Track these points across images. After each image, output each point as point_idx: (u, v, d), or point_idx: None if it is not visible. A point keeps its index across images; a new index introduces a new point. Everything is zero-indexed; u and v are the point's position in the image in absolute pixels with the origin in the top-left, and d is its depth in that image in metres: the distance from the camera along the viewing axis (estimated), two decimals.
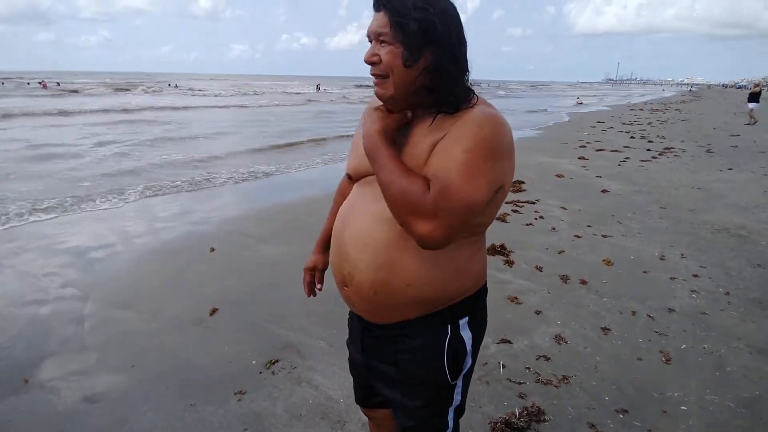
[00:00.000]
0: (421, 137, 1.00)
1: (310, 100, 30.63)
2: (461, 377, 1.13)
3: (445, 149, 0.94)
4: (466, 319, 1.10)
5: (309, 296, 1.44)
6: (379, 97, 1.04)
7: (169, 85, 48.17)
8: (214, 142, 11.22)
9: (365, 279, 1.05)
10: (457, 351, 1.09)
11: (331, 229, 1.36)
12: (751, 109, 17.15)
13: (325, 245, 1.42)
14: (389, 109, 1.06)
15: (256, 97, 32.67)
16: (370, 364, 1.21)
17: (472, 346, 1.12)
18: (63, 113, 17.89)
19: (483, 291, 1.15)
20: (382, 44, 0.99)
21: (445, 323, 1.08)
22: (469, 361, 1.13)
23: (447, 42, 0.98)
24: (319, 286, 1.42)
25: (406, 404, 1.14)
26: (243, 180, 7.18)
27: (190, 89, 41.67)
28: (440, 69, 0.98)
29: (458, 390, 1.14)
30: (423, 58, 0.97)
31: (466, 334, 1.10)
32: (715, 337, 2.69)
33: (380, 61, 0.99)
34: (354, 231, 1.08)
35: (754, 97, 17.28)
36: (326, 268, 1.43)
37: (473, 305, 1.11)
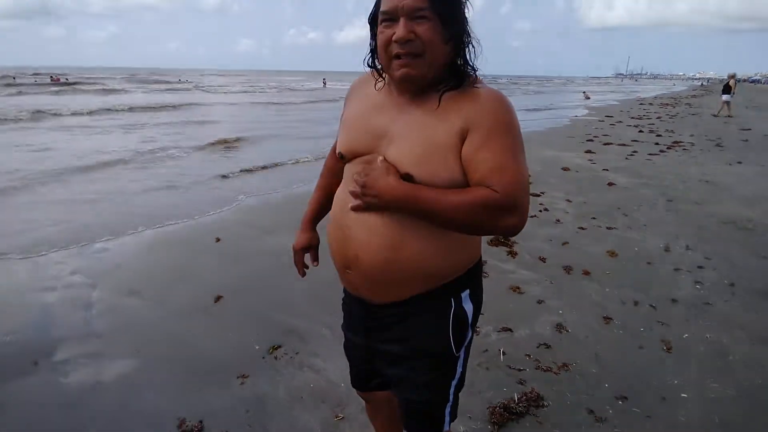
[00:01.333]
0: (438, 120, 0.99)
1: (343, 97, 29.96)
2: (463, 349, 1.16)
3: (487, 144, 0.95)
4: (468, 291, 1.12)
5: (303, 276, 1.43)
6: (410, 77, 0.99)
7: (180, 81, 48.22)
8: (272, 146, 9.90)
9: (373, 260, 1.06)
10: (461, 323, 1.12)
11: (319, 208, 1.39)
12: (727, 102, 17.10)
13: (313, 223, 1.41)
14: (407, 88, 1.02)
15: (284, 94, 31.00)
16: (373, 347, 1.22)
17: (473, 317, 1.15)
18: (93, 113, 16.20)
19: (480, 264, 1.18)
20: (419, 20, 0.94)
21: (449, 296, 1.10)
22: (469, 332, 1.16)
23: (466, 14, 0.99)
24: (316, 263, 1.42)
25: (413, 379, 1.16)
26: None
27: (196, 85, 40.36)
28: (464, 42, 0.99)
29: (460, 362, 1.17)
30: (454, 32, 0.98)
31: (468, 306, 1.13)
32: (717, 327, 2.68)
33: (415, 38, 0.95)
34: (358, 214, 1.07)
35: (729, 89, 17.25)
36: (319, 244, 1.43)
37: (473, 278, 1.14)
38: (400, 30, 0.95)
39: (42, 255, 3.77)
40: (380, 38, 0.99)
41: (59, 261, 3.66)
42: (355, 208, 1.05)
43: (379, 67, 1.08)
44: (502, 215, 0.94)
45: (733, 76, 17.82)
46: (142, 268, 3.57)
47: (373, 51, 1.07)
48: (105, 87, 32.61)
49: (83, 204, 5.30)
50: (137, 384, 2.23)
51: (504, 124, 0.97)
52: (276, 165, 7.67)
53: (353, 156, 1.12)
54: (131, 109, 17.41)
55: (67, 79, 41.11)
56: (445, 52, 0.98)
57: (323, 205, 1.40)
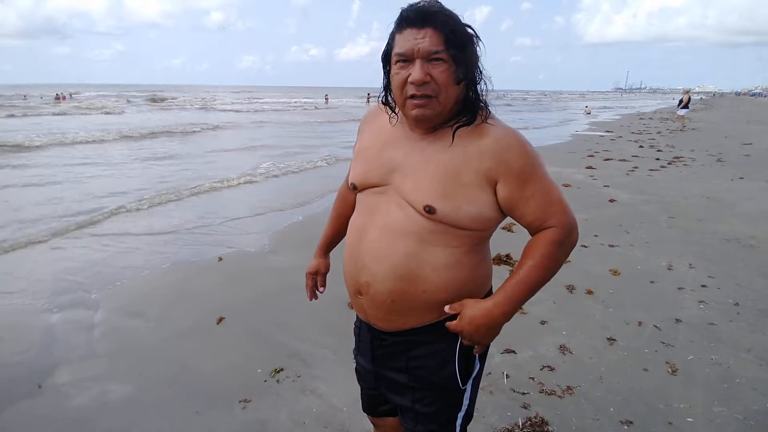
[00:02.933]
0: (455, 156, 1.02)
1: (347, 112, 27.32)
2: (470, 382, 1.16)
3: (527, 189, 1.02)
4: None
5: (311, 300, 1.48)
6: (424, 117, 1.02)
7: (176, 99, 48.42)
8: None
9: (384, 288, 1.08)
10: (467, 355, 1.12)
11: (333, 235, 1.46)
12: (683, 116, 18.01)
13: (326, 249, 1.48)
14: (421, 125, 1.06)
15: (310, 113, 28.98)
16: (380, 374, 1.23)
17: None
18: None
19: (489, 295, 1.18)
20: (434, 63, 0.97)
21: None
22: (477, 365, 1.16)
23: (478, 52, 1.02)
24: (321, 289, 1.47)
25: (418, 410, 1.16)
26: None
27: (202, 105, 36.85)
28: (476, 81, 1.03)
29: (467, 395, 1.17)
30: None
31: None
32: (723, 348, 2.66)
33: (431, 80, 0.98)
34: (372, 243, 1.10)
35: (686, 103, 18.19)
36: (328, 272, 1.49)
37: None
38: (416, 72, 0.97)
39: (48, 276, 3.79)
40: (396, 78, 1.02)
41: (64, 281, 3.67)
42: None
43: (393, 103, 1.11)
44: (570, 237, 1.08)
45: (687, 92, 18.92)
46: (144, 288, 3.57)
47: (386, 87, 1.10)
48: (120, 107, 30.55)
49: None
50: (140, 407, 2.22)
51: (531, 160, 1.03)
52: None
53: (365, 187, 1.15)
54: (168, 134, 15.28)
55: (71, 95, 41.50)
56: (457, 93, 1.02)
57: (336, 232, 1.47)
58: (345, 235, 1.43)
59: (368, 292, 1.11)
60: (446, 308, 1.07)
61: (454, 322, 1.07)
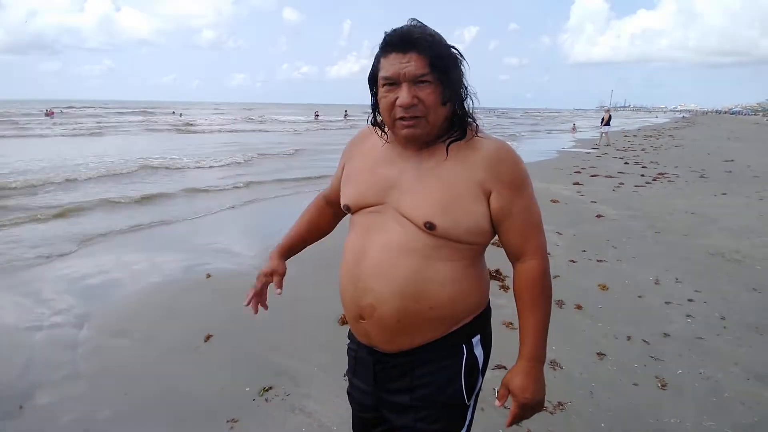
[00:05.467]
0: (451, 171, 1.05)
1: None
2: (474, 397, 1.15)
3: (515, 202, 1.05)
4: (478, 337, 1.13)
5: (248, 304, 1.38)
6: (413, 137, 1.05)
7: (173, 113, 48.40)
8: None
9: (390, 309, 1.06)
10: (472, 370, 1.12)
11: (298, 238, 1.39)
12: (605, 133, 19.13)
13: (287, 252, 1.39)
14: (413, 144, 1.08)
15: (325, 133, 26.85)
16: (381, 397, 1.19)
17: (483, 363, 1.15)
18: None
19: (489, 309, 1.19)
20: (420, 85, 1.00)
21: (461, 343, 1.11)
22: (480, 379, 1.16)
23: (463, 73, 1.05)
24: (279, 290, 1.34)
25: (420, 429, 1.13)
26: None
27: (200, 121, 35.50)
28: (463, 99, 1.06)
29: (470, 411, 1.16)
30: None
31: (479, 352, 1.13)
32: (711, 362, 2.68)
33: (418, 102, 1.00)
34: (373, 263, 1.07)
35: (607, 121, 19.43)
36: (285, 273, 1.37)
37: (482, 323, 1.15)
38: (403, 96, 1.00)
39: (31, 295, 3.71)
40: (383, 101, 1.04)
41: (46, 299, 3.59)
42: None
43: (382, 124, 1.12)
44: (547, 261, 1.14)
45: (608, 110, 20.25)
46: (130, 306, 3.51)
47: (374, 108, 1.12)
48: (121, 126, 28.04)
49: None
50: (124, 428, 2.16)
51: (522, 174, 1.08)
52: None
53: (360, 207, 1.14)
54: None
55: (61, 111, 41.27)
56: (445, 112, 1.04)
57: (301, 239, 1.41)
58: (309, 242, 1.42)
59: (372, 315, 1.08)
60: (497, 404, 1.10)
61: (513, 409, 1.07)
